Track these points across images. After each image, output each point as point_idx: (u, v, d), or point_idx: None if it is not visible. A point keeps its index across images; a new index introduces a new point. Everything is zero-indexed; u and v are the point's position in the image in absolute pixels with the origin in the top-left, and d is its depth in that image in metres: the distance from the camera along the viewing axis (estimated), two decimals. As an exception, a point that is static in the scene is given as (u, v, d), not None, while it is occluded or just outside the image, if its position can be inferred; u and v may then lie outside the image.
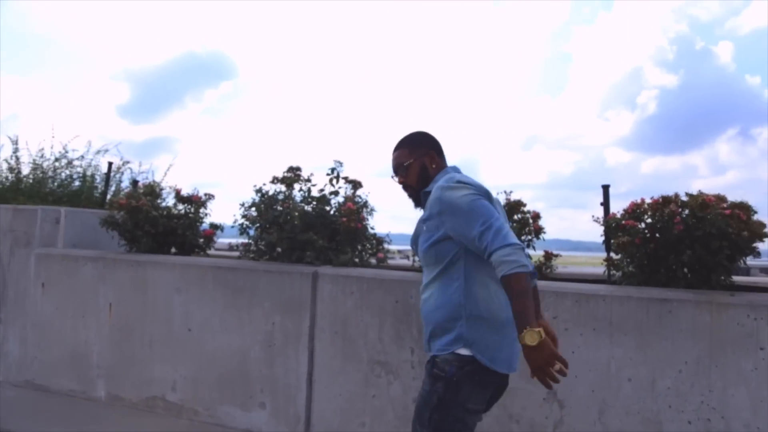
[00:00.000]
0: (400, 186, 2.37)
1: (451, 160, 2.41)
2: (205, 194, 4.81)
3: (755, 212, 3.16)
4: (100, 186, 6.52)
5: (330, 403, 3.47)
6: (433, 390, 1.97)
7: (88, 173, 6.70)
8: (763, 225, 3.14)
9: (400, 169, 2.33)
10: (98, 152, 6.82)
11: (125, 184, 6.83)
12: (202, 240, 4.71)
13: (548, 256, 3.84)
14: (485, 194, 2.07)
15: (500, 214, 2.13)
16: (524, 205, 3.88)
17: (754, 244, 3.13)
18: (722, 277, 3.14)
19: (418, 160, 2.30)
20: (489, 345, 2.00)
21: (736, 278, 3.36)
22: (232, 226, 4.30)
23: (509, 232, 1.91)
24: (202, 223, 4.78)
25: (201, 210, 4.78)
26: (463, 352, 1.98)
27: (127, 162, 6.81)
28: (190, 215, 4.76)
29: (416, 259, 2.38)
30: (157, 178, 6.70)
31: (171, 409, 3.97)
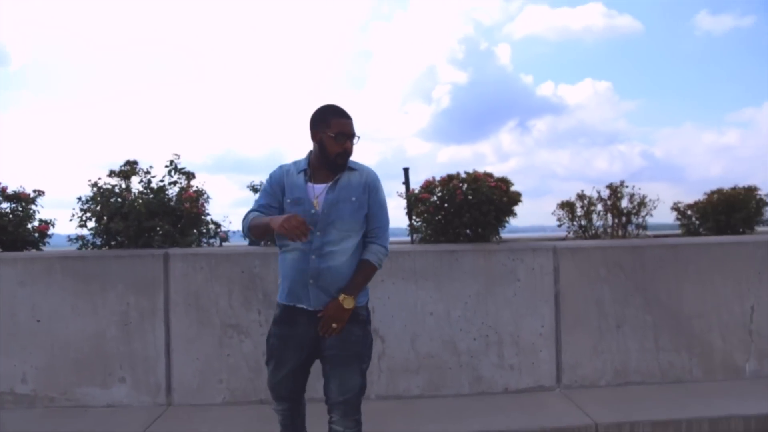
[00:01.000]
0: (345, 150, 2.45)
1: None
2: (34, 191, 4.83)
3: (512, 184, 4.26)
4: None
5: (189, 368, 3.93)
6: (367, 331, 2.54)
7: None
8: (518, 194, 4.26)
9: (353, 137, 2.48)
10: None
11: None
12: (36, 235, 4.75)
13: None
14: None
15: None
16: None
17: (513, 207, 4.24)
18: (492, 233, 4.21)
19: None
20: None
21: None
22: (71, 220, 4.45)
23: (388, 237, 2.59)
24: (32, 220, 4.80)
25: (30, 207, 4.80)
26: (364, 300, 2.58)
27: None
28: (19, 212, 4.76)
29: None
30: None
31: (21, 401, 4.06)
